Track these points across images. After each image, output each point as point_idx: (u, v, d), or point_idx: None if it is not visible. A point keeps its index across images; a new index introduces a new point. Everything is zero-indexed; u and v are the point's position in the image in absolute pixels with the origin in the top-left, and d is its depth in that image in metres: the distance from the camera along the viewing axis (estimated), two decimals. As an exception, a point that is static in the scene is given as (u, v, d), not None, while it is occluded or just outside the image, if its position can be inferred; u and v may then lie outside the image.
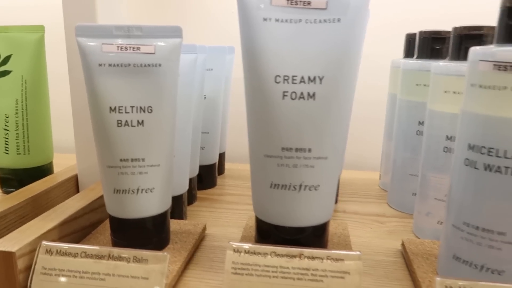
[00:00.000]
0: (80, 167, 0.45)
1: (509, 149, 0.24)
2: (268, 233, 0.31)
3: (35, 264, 0.28)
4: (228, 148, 0.59)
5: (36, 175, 0.48)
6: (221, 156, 0.56)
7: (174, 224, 0.37)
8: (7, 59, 0.46)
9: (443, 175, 0.35)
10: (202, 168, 0.49)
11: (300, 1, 0.28)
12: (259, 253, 0.28)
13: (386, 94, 0.52)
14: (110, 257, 0.28)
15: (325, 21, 0.28)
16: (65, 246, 0.29)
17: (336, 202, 0.47)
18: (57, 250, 0.29)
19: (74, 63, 0.42)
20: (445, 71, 0.34)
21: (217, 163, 0.53)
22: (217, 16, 0.64)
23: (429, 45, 0.41)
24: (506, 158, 0.24)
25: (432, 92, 0.36)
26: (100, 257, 0.28)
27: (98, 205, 0.38)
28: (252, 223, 0.38)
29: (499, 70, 0.24)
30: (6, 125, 0.46)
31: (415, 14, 0.59)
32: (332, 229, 0.37)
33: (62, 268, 0.28)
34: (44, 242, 0.29)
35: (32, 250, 0.29)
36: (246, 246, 0.29)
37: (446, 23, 0.39)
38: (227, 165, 0.59)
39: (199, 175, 0.48)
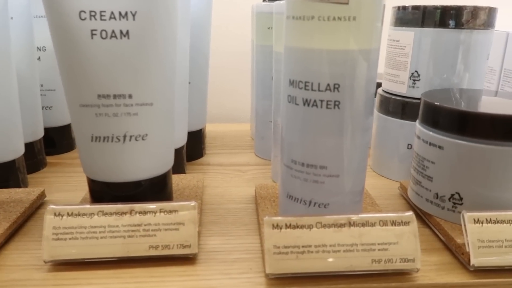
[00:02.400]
0: None
1: (322, 81, 0.24)
2: (100, 192, 0.29)
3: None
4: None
5: None
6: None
7: (3, 194, 0.32)
8: None
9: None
10: (53, 130, 0.44)
11: None
12: (84, 214, 0.26)
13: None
14: None
15: None
16: None
17: (202, 155, 0.46)
18: None
19: None
20: (281, 9, 0.33)
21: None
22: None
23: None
24: (320, 91, 0.24)
25: (274, 33, 0.35)
26: None
27: None
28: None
29: None
30: None
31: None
32: (186, 182, 0.36)
33: None
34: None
35: None
36: (69, 208, 0.26)
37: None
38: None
39: (47, 139, 0.43)
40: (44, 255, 0.25)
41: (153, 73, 0.26)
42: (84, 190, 0.36)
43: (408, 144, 0.38)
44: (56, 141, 0.45)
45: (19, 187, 0.36)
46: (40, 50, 0.42)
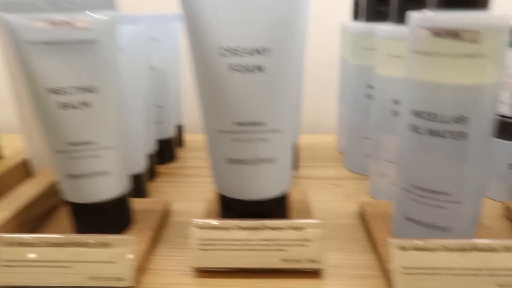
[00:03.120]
0: (29, 150, 0.43)
1: (449, 114, 0.25)
2: (230, 206, 0.32)
3: (-7, 257, 0.28)
4: (185, 119, 0.58)
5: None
6: (180, 128, 0.56)
7: (136, 204, 0.37)
8: None
9: (393, 137, 0.36)
10: (161, 143, 0.49)
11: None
12: (223, 228, 0.29)
13: (337, 56, 0.53)
14: (74, 244, 0.28)
15: None
16: (27, 236, 0.28)
17: (296, 168, 0.48)
18: (18, 242, 0.28)
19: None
20: (387, 35, 0.35)
21: (176, 137, 0.52)
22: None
23: (374, 7, 0.41)
24: (446, 123, 0.26)
25: (377, 56, 0.37)
26: (60, 244, 0.28)
27: (54, 190, 0.37)
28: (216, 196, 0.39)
29: (436, 36, 0.25)
30: None
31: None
32: (293, 196, 0.38)
33: (26, 258, 0.27)
34: (2, 235, 0.28)
35: (-13, 243, 0.28)
36: (210, 222, 0.29)
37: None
38: (186, 137, 0.59)
39: (158, 150, 0.47)
40: (192, 263, 0.28)
41: (284, 102, 0.29)
42: (200, 201, 0.40)
43: (510, 164, 0.38)
44: (163, 152, 0.50)
45: (143, 197, 0.40)
46: (153, 70, 0.46)
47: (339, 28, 0.51)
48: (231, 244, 0.29)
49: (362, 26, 0.42)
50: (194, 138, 0.60)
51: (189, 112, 0.60)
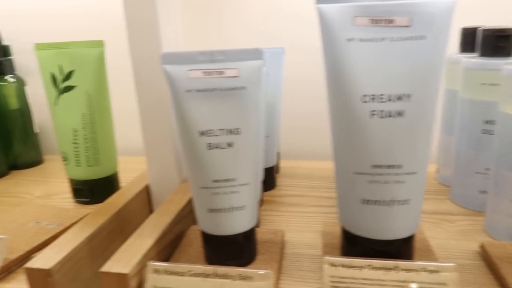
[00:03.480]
0: (152, 179, 0.47)
1: None
2: (356, 244, 0.33)
3: (144, 283, 0.30)
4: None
5: (105, 184, 0.51)
6: (278, 156, 0.58)
7: (257, 233, 0.39)
8: (69, 74, 0.47)
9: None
10: (265, 170, 0.50)
11: (383, 20, 0.29)
12: (355, 267, 0.30)
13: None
14: (216, 275, 0.30)
15: (409, 38, 0.28)
16: (172, 265, 0.31)
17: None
18: (164, 270, 0.30)
19: (138, 69, 0.43)
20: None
21: (276, 164, 0.54)
22: (257, 18, 0.64)
23: (493, 42, 0.41)
24: None
25: (501, 93, 0.36)
26: (206, 275, 0.30)
27: (180, 217, 0.40)
28: (329, 229, 0.40)
29: None
30: (75, 139, 0.48)
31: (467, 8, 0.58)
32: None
33: (171, 286, 0.30)
34: (151, 262, 0.31)
35: (139, 270, 0.31)
36: (342, 260, 0.30)
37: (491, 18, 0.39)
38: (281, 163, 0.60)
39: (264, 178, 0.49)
40: (327, 300, 0.29)
41: (421, 145, 0.29)
42: (311, 232, 0.41)
43: None
44: (265, 180, 0.52)
45: (258, 226, 0.42)
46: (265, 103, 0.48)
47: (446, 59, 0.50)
48: (363, 284, 0.29)
49: (479, 61, 0.42)
50: (287, 164, 0.62)
51: (282, 138, 0.62)
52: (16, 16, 0.70)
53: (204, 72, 0.30)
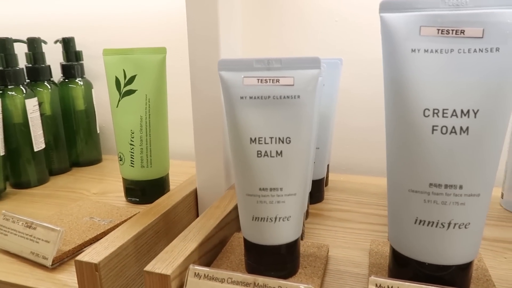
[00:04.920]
0: (200, 184, 0.47)
1: None
2: (406, 266, 0.31)
3: (184, 286, 0.30)
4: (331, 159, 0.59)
5: (156, 185, 0.52)
6: (327, 169, 0.56)
7: (301, 246, 0.38)
8: (132, 79, 0.49)
9: None
10: (313, 183, 0.49)
11: (453, 30, 0.27)
12: (403, 290, 0.28)
13: None
14: (255, 285, 0.29)
15: (481, 50, 0.26)
16: (212, 271, 0.30)
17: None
18: (205, 275, 0.30)
19: (195, 75, 0.44)
20: None
21: (326, 177, 0.53)
22: (317, 28, 0.63)
23: None
24: None
25: None
26: (246, 284, 0.29)
27: (224, 223, 0.40)
28: (377, 248, 0.38)
29: None
30: (131, 140, 0.50)
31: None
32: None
33: (212, 292, 0.30)
34: (193, 266, 0.31)
35: (180, 272, 0.31)
36: (390, 282, 0.28)
37: None
38: (329, 176, 0.59)
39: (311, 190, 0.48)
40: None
41: (486, 166, 0.27)
42: (357, 249, 0.40)
43: None
44: (313, 192, 0.50)
45: (302, 239, 0.41)
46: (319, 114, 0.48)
47: None
48: (412, 309, 0.27)
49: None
50: (336, 177, 0.60)
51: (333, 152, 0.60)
52: (86, 26, 0.75)
53: (259, 79, 0.30)
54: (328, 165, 0.57)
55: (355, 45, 0.61)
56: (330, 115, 0.49)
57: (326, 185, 0.57)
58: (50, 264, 0.37)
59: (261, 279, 0.29)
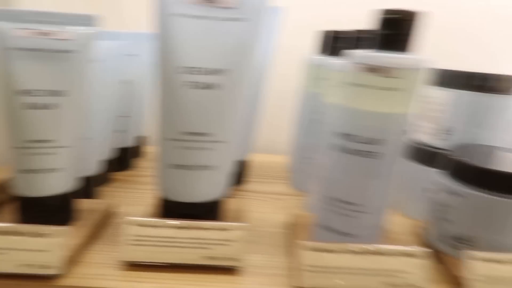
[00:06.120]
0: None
1: (368, 136, 0.30)
2: (169, 209, 0.35)
3: None
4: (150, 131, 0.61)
5: None
6: (141, 139, 0.58)
7: (82, 203, 0.39)
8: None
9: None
10: (122, 150, 0.51)
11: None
12: (151, 226, 0.32)
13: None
14: (11, 232, 0.30)
15: (228, 19, 0.31)
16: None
17: (244, 182, 0.51)
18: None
19: None
20: (332, 67, 0.39)
21: (136, 147, 0.55)
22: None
23: (329, 43, 0.46)
24: (365, 143, 0.30)
25: (326, 86, 0.41)
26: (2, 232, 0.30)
27: (4, 186, 0.39)
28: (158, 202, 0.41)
29: (363, 71, 0.29)
30: None
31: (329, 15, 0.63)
32: (231, 205, 0.41)
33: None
34: None
35: None
36: (139, 219, 0.32)
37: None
38: (149, 149, 0.61)
39: (118, 158, 0.50)
40: (121, 256, 0.31)
41: (230, 117, 0.33)
42: (147, 205, 0.42)
43: (425, 188, 0.42)
44: (122, 160, 0.52)
45: (90, 198, 0.42)
46: (127, 83, 0.49)
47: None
48: (159, 241, 0.31)
49: (316, 59, 0.46)
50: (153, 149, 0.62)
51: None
52: None
53: (33, 32, 0.31)
54: (143, 137, 0.58)
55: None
56: (142, 86, 0.51)
57: (141, 155, 0.59)
58: None
59: (13, 226, 0.30)
